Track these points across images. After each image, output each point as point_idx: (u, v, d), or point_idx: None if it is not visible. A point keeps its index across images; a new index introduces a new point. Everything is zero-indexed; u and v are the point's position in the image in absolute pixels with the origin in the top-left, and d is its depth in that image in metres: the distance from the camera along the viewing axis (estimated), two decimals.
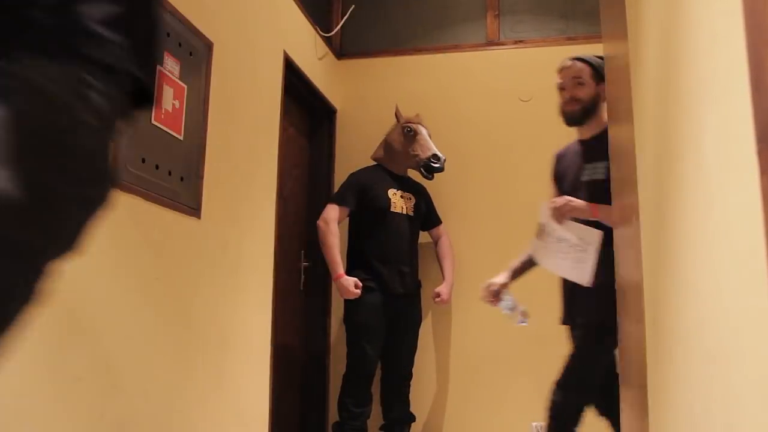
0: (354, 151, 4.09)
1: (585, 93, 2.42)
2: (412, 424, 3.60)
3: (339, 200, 3.52)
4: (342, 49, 4.40)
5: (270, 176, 3.23)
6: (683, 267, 1.80)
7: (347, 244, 3.63)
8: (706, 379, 1.56)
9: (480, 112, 4.04)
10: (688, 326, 1.75)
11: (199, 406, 2.49)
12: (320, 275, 3.88)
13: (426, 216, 3.71)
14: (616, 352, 2.33)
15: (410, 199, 3.62)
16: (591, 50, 4.00)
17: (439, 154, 3.56)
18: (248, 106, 3.00)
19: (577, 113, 2.42)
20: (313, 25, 3.90)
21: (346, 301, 3.43)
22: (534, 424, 3.68)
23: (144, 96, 0.76)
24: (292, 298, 3.72)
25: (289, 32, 3.54)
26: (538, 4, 4.23)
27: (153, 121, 2.22)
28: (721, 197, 1.43)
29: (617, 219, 2.22)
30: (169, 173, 2.31)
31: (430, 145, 3.60)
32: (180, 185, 2.37)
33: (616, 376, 2.34)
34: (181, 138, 2.39)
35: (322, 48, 4.07)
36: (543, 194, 3.90)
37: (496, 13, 4.24)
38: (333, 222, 3.45)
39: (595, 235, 2.30)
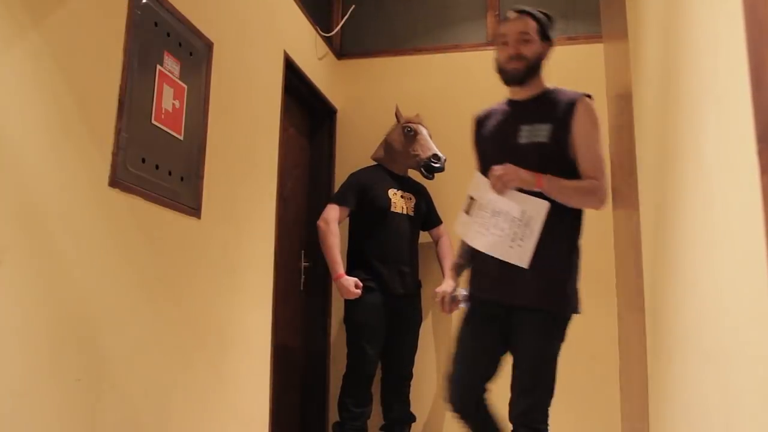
0: (354, 151, 4.09)
1: (531, 51, 2.19)
2: (413, 425, 3.60)
3: (339, 200, 3.52)
4: (342, 49, 4.40)
5: (270, 176, 3.23)
6: (683, 267, 1.80)
7: (347, 244, 3.63)
8: (706, 378, 1.56)
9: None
10: (688, 326, 1.74)
11: (199, 406, 2.48)
12: (320, 275, 3.88)
13: (426, 216, 3.71)
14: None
15: (410, 199, 3.62)
16: (592, 50, 4.02)
17: (440, 154, 3.56)
18: (248, 106, 3.00)
19: (521, 72, 2.17)
20: (313, 25, 3.90)
21: (347, 301, 3.43)
22: None
23: None
24: (292, 298, 3.72)
25: (289, 32, 3.54)
26: (539, 4, 4.22)
27: (153, 121, 2.22)
28: (721, 196, 1.43)
29: (565, 192, 2.08)
30: (169, 173, 2.31)
31: (430, 144, 3.60)
32: (180, 185, 2.37)
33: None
34: (182, 138, 2.39)
35: (323, 48, 4.07)
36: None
37: (497, 12, 4.24)
38: (333, 222, 3.44)
39: (542, 207, 2.02)
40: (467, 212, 2.15)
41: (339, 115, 4.27)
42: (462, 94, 4.09)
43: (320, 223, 3.46)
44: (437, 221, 3.76)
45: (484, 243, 2.07)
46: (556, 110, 2.15)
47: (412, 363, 3.58)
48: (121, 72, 2.06)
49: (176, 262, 2.35)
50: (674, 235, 1.92)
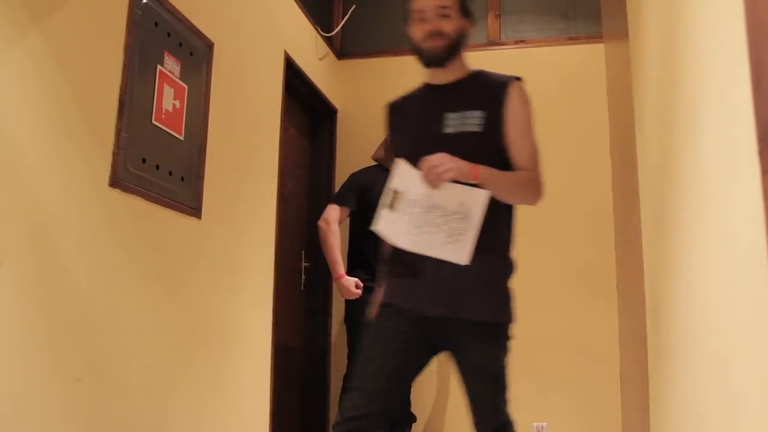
0: (354, 151, 4.09)
1: (451, 27, 1.93)
2: (413, 425, 3.60)
3: (340, 200, 3.52)
4: (343, 49, 4.40)
5: (270, 176, 3.23)
6: (683, 266, 1.79)
7: (348, 245, 3.63)
8: (706, 378, 1.56)
9: None
10: (689, 325, 1.74)
11: (200, 406, 2.48)
12: (321, 275, 3.88)
13: None
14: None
15: None
16: (592, 50, 4.02)
17: None
18: (249, 106, 3.00)
19: (441, 50, 1.93)
20: (313, 25, 3.90)
21: (347, 302, 3.43)
22: (535, 424, 3.67)
23: None
24: (293, 299, 3.72)
25: (289, 32, 3.54)
26: (540, 3, 4.23)
27: (153, 121, 2.22)
28: (721, 196, 1.42)
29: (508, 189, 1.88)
30: (170, 173, 2.31)
31: None
32: (180, 185, 2.37)
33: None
34: (182, 138, 2.39)
35: (323, 48, 4.07)
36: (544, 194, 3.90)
37: (497, 12, 4.24)
38: (334, 222, 3.44)
39: (481, 197, 1.80)
40: (391, 208, 1.85)
41: (339, 115, 4.27)
42: None
43: (321, 223, 3.46)
44: None
45: (416, 243, 1.82)
46: (486, 95, 1.91)
47: None
48: (122, 72, 2.06)
49: (177, 262, 2.35)
50: (675, 234, 1.92)
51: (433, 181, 1.78)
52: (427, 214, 1.81)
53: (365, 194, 3.51)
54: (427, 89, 2.02)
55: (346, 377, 3.44)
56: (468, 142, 1.86)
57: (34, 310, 1.69)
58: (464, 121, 1.88)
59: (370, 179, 3.56)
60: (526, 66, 4.07)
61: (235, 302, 2.79)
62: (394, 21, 4.37)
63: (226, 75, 2.75)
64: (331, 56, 4.23)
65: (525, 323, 3.78)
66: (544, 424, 3.67)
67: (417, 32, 1.97)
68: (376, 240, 3.48)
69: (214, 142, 2.62)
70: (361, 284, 3.37)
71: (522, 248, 4.07)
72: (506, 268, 1.96)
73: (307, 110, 4.05)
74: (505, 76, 1.95)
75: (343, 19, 4.33)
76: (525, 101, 1.91)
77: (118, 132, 2.03)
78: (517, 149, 1.89)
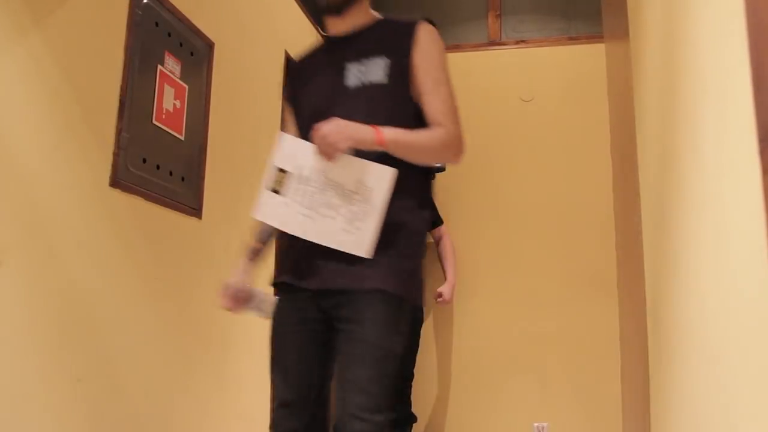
0: None
1: None
2: (414, 425, 3.60)
3: None
4: None
5: None
6: (684, 266, 1.79)
7: None
8: (707, 377, 1.56)
9: (481, 111, 4.04)
10: (689, 325, 1.74)
11: (200, 406, 2.48)
12: None
13: None
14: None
15: None
16: (593, 50, 4.02)
17: None
18: (249, 105, 3.00)
19: None
20: (314, 25, 3.89)
21: None
22: (535, 424, 3.67)
23: None
24: None
25: (290, 32, 3.54)
26: (540, 3, 4.23)
27: (154, 121, 2.22)
28: (722, 196, 1.42)
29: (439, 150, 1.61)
30: (170, 173, 2.31)
31: None
32: (181, 185, 2.37)
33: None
34: (182, 138, 2.39)
35: None
36: (545, 194, 3.91)
37: (498, 12, 4.24)
38: None
39: (385, 174, 1.51)
40: (275, 190, 1.58)
41: None
42: (463, 94, 4.05)
43: None
44: (438, 221, 3.76)
45: (309, 229, 1.54)
46: (391, 40, 1.64)
47: (413, 363, 3.57)
48: (122, 72, 2.06)
49: (177, 263, 2.35)
50: (675, 234, 1.92)
51: (328, 153, 1.49)
52: (322, 193, 1.53)
53: None
54: (328, 42, 1.77)
55: None
56: (372, 95, 1.61)
57: (35, 310, 1.69)
58: (367, 71, 1.63)
59: None
60: (526, 66, 4.08)
61: None
62: None
63: (227, 75, 2.75)
64: None
65: (526, 323, 3.79)
66: (545, 424, 3.67)
67: None
68: None
69: (215, 142, 2.62)
70: None
71: (523, 248, 4.07)
72: (418, 240, 1.64)
73: None
74: (412, 19, 1.68)
75: None
76: (436, 45, 1.65)
77: (119, 132, 2.03)
78: (430, 101, 1.63)
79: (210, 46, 2.61)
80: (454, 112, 1.64)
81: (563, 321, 3.72)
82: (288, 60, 1.76)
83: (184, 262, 2.40)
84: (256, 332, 3.00)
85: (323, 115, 1.56)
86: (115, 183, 2.00)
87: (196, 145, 2.49)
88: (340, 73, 1.65)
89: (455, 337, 3.89)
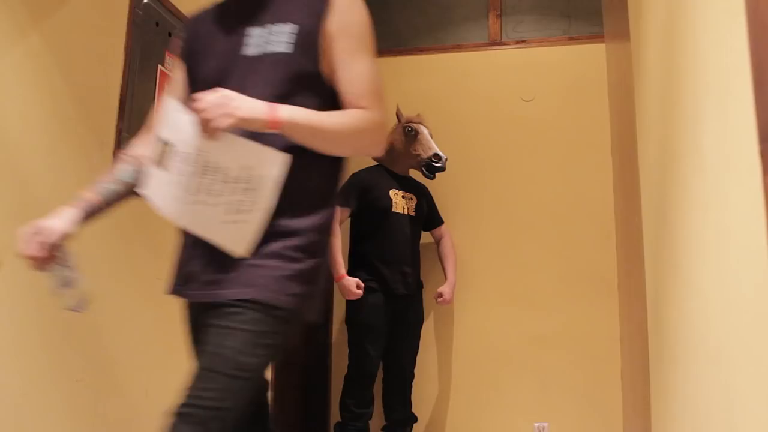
0: None
1: None
2: (414, 425, 3.60)
3: (340, 201, 3.52)
4: None
5: None
6: (685, 266, 1.79)
7: (349, 245, 3.62)
8: (708, 378, 1.56)
9: (482, 111, 4.04)
10: (690, 325, 1.74)
11: None
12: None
13: (428, 216, 3.70)
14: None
15: (412, 199, 3.62)
16: (593, 50, 4.02)
17: (441, 154, 3.56)
18: None
19: None
20: None
21: (348, 302, 3.43)
22: (536, 424, 3.67)
23: None
24: None
25: None
26: (540, 3, 4.23)
27: None
28: (722, 196, 1.42)
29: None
30: None
31: (431, 144, 3.60)
32: None
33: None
34: None
35: None
36: (545, 194, 3.91)
37: (498, 12, 4.23)
38: (335, 223, 3.43)
39: (275, 161, 1.28)
40: (160, 164, 1.34)
41: None
42: (463, 94, 4.08)
43: None
44: (439, 221, 3.76)
45: (187, 216, 1.35)
46: (302, 4, 1.39)
47: (413, 364, 3.57)
48: (122, 72, 2.06)
49: None
50: (676, 235, 1.91)
51: (210, 130, 1.23)
52: (201, 177, 1.29)
53: (366, 195, 3.51)
54: (221, 6, 1.50)
55: (347, 377, 3.44)
56: (273, 66, 1.35)
57: (35, 310, 1.69)
58: (269, 38, 1.37)
59: (370, 180, 3.56)
60: (527, 66, 4.07)
61: None
62: (395, 21, 4.37)
63: None
64: None
65: (526, 323, 3.78)
66: (546, 424, 3.67)
67: None
68: (377, 241, 3.50)
69: None
70: (363, 285, 3.37)
71: (523, 248, 4.07)
72: (316, 243, 1.42)
73: None
74: None
75: None
76: (357, 11, 1.39)
77: (119, 132, 2.03)
78: (345, 77, 1.36)
79: None
80: (374, 92, 1.36)
81: (564, 321, 3.72)
82: (186, 23, 1.57)
83: None
84: None
85: (214, 86, 1.30)
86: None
87: None
88: (240, 38, 1.40)
89: (455, 337, 3.88)
